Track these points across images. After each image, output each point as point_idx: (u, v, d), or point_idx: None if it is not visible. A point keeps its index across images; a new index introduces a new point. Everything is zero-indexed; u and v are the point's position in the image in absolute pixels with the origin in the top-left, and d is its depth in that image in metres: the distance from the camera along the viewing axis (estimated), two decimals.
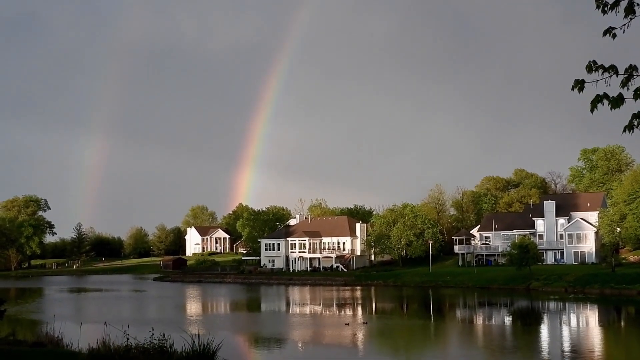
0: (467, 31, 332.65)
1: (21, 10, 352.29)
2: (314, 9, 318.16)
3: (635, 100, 10.64)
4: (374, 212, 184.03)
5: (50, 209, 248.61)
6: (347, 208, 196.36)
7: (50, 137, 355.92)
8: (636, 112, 10.68)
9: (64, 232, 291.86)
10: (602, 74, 10.83)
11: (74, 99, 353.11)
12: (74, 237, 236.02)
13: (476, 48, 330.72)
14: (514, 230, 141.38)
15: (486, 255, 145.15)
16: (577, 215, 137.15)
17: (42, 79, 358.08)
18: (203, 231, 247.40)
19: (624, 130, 10.84)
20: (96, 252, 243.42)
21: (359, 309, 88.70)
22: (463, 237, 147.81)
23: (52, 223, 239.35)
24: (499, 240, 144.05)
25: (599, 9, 11.06)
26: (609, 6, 11.04)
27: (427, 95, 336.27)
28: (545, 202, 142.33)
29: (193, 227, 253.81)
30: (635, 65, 10.74)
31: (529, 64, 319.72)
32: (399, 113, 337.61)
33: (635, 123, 10.70)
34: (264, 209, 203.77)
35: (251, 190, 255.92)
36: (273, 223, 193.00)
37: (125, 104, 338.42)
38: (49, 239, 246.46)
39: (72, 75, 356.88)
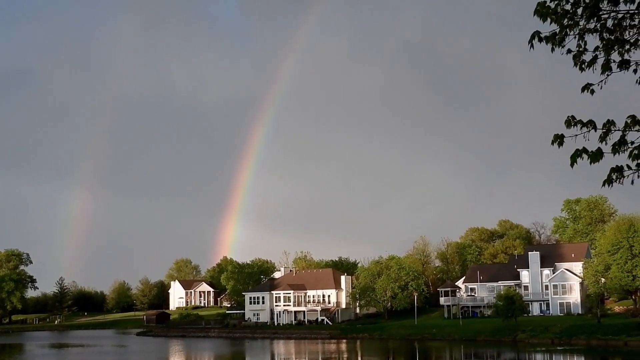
0: (455, 84, 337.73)
1: (12, 64, 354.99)
2: (305, 62, 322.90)
3: (613, 155, 10.88)
4: (359, 264, 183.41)
5: (32, 262, 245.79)
6: (332, 260, 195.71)
7: (34, 190, 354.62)
8: (614, 167, 10.90)
9: (46, 286, 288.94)
10: (581, 128, 11.09)
11: (60, 151, 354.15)
12: (56, 291, 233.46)
13: (464, 100, 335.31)
14: (499, 282, 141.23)
15: (472, 307, 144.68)
16: (562, 265, 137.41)
17: (29, 131, 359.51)
18: (187, 285, 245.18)
19: (604, 184, 11.05)
20: (78, 307, 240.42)
21: None
22: (448, 289, 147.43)
23: (34, 277, 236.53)
24: (484, 292, 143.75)
25: (576, 66, 11.38)
26: (586, 64, 11.36)
27: (415, 146, 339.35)
28: (529, 252, 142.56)
29: (177, 280, 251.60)
30: (612, 120, 11.01)
31: (515, 116, 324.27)
32: (386, 164, 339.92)
33: (614, 177, 10.92)
34: (248, 261, 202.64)
35: (235, 243, 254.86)
36: (257, 276, 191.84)
37: (111, 156, 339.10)
38: (30, 293, 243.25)
39: (60, 127, 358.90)
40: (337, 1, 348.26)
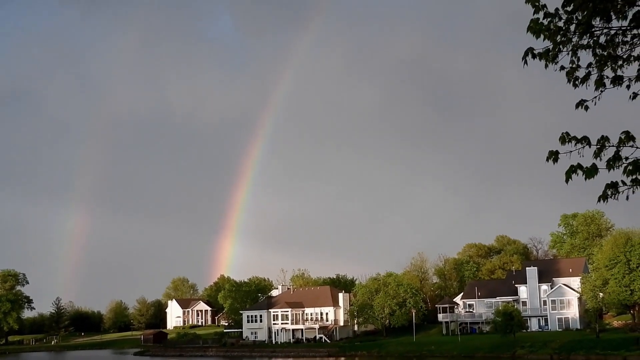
0: (452, 100, 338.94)
1: (10, 83, 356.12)
2: (301, 79, 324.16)
3: (608, 171, 10.91)
4: (357, 282, 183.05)
5: (28, 283, 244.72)
6: (330, 278, 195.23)
7: (31, 209, 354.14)
8: (609, 182, 10.92)
9: (42, 306, 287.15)
10: (575, 145, 11.12)
11: (57, 171, 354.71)
12: (53, 311, 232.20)
13: (460, 116, 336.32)
14: (497, 297, 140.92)
15: (470, 323, 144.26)
16: (560, 281, 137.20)
17: (26, 151, 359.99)
18: (184, 304, 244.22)
19: (599, 200, 11.07)
20: (75, 327, 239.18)
21: None
22: (446, 305, 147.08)
23: (31, 298, 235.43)
24: (482, 308, 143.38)
25: (570, 82, 11.43)
26: (579, 80, 11.41)
27: (412, 163, 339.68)
28: (527, 268, 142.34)
29: (174, 299, 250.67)
30: (607, 137, 11.05)
31: (511, 132, 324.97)
32: (383, 181, 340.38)
33: (609, 193, 10.94)
34: (245, 280, 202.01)
35: (233, 261, 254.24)
36: (255, 294, 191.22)
37: (108, 175, 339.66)
38: (27, 314, 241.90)
39: (57, 146, 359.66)
40: (332, 19, 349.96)
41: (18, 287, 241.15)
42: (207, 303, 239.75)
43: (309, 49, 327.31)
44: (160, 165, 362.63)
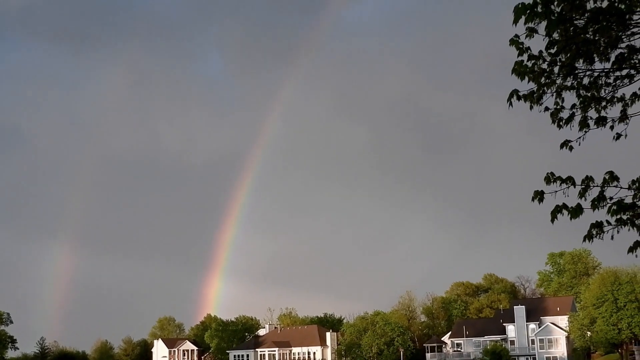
0: (440, 139, 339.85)
1: (0, 123, 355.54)
2: (291, 118, 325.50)
3: (593, 210, 11.01)
4: (345, 320, 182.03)
5: (12, 322, 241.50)
6: (317, 317, 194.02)
7: (17, 248, 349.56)
8: (594, 222, 11.02)
9: (26, 346, 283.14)
10: (560, 185, 11.22)
11: (45, 210, 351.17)
12: (37, 351, 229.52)
13: (448, 155, 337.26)
14: (485, 336, 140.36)
15: None
16: (547, 319, 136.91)
17: (14, 190, 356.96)
18: (170, 343, 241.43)
19: (584, 240, 11.16)
20: None
21: None
22: (434, 345, 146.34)
23: (15, 337, 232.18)
24: (470, 347, 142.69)
25: (554, 123, 11.58)
26: (564, 121, 11.57)
27: (401, 202, 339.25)
28: (515, 307, 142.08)
29: (160, 339, 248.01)
30: (591, 177, 11.17)
31: (499, 171, 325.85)
32: (371, 220, 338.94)
33: (594, 232, 11.04)
34: (232, 319, 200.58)
35: (220, 299, 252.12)
36: (242, 333, 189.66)
37: (96, 215, 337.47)
38: (10, 354, 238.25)
39: (45, 186, 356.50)
40: (322, 58, 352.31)
41: (2, 327, 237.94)
42: (194, 342, 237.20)
43: (299, 88, 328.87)
44: (148, 205, 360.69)
